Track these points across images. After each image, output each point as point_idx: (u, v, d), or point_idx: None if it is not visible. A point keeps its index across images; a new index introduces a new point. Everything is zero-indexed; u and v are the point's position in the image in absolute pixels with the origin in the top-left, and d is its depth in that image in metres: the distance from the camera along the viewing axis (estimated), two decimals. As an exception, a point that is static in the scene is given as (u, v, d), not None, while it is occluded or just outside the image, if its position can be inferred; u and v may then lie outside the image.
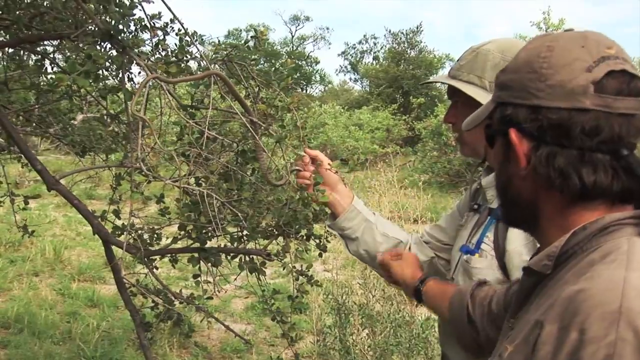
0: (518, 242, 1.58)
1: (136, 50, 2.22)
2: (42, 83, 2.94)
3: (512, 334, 1.07)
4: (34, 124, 3.13)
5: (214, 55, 2.51)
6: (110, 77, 2.84)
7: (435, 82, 2.08)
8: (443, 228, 2.06)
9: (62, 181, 2.66)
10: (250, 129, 2.22)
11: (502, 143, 1.10)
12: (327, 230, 2.21)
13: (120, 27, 2.06)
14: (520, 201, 1.11)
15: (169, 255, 2.75)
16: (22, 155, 2.85)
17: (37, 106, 2.97)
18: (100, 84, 2.85)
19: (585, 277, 0.93)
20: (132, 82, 2.72)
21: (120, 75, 2.52)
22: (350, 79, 56.21)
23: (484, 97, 1.70)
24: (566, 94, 0.99)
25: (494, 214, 1.69)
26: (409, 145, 21.93)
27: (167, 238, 2.75)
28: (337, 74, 69.44)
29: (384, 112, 23.80)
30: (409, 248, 2.05)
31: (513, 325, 1.12)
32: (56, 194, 8.91)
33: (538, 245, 1.47)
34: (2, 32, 2.80)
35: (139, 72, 2.89)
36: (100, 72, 2.56)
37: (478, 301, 1.51)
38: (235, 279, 2.78)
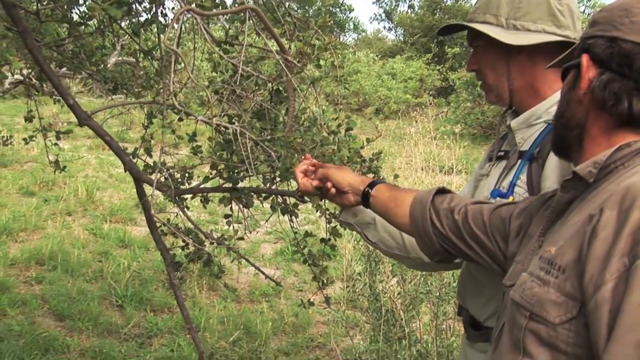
0: (553, 179, 1.54)
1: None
2: (74, 17, 2.89)
3: (551, 240, 1.14)
4: (67, 59, 3.08)
5: (249, -10, 2.43)
6: (143, 13, 2.79)
7: (450, 25, 1.90)
8: (465, 194, 1.97)
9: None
10: (285, 67, 2.15)
11: (574, 72, 1.22)
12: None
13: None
14: (571, 124, 1.22)
15: (200, 195, 2.72)
16: (55, 91, 2.81)
17: (69, 40, 2.92)
18: (134, 20, 2.80)
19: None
20: (165, 18, 2.66)
21: (154, 10, 2.46)
22: (385, 27, 55.36)
23: (501, 35, 1.64)
24: None
25: (525, 156, 1.64)
26: (442, 96, 21.61)
27: (199, 177, 2.72)
28: (370, 23, 68.44)
29: (418, 61, 23.37)
30: None
31: (542, 243, 1.19)
32: (89, 135, 8.92)
33: None
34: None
35: (172, 8, 2.83)
36: (134, 5, 2.51)
37: (443, 213, 1.54)
38: (267, 220, 2.75)
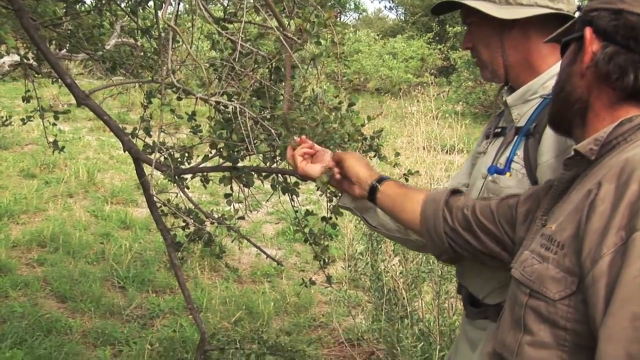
0: (550, 154, 1.52)
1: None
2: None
3: (552, 218, 1.14)
4: (64, 38, 3.05)
5: (247, -34, 2.39)
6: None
7: (443, 3, 1.86)
8: (464, 172, 1.95)
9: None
10: (285, 43, 2.12)
11: (575, 45, 1.20)
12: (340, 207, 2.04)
13: None
14: (572, 98, 1.19)
15: (200, 175, 2.70)
16: (53, 71, 2.78)
17: (66, 19, 2.89)
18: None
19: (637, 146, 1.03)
20: (163, -5, 2.62)
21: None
22: (385, 7, 55.06)
23: (493, 10, 1.62)
24: None
25: (522, 132, 1.63)
26: (444, 75, 21.53)
27: (199, 157, 2.70)
28: (372, 2, 67.96)
29: (419, 41, 23.28)
30: None
31: (545, 222, 1.19)
32: (89, 117, 8.87)
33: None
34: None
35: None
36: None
37: (455, 211, 1.55)
38: (267, 200, 2.73)
